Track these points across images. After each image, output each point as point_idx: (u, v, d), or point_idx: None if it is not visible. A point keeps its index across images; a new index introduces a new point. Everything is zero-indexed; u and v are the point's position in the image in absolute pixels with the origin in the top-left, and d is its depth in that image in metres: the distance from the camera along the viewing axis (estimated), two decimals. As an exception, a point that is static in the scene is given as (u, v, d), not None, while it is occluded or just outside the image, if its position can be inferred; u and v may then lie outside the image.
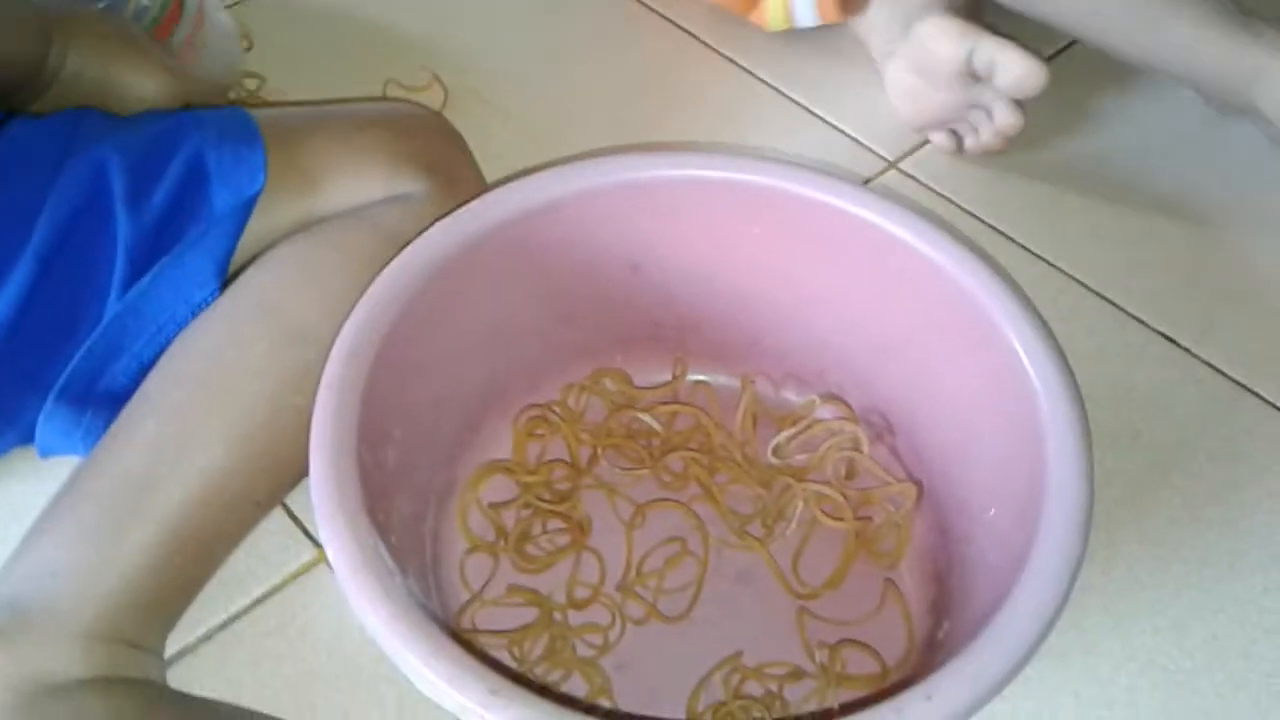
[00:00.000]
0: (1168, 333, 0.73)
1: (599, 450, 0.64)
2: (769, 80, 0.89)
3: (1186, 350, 0.72)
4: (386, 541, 0.48)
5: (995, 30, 0.77)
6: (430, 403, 0.58)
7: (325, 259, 0.59)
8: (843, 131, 0.85)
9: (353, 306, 0.54)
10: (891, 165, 0.83)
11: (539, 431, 0.64)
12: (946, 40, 0.77)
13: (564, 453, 0.64)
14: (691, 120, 0.86)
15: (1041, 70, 0.73)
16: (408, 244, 0.57)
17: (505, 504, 0.61)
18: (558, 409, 0.65)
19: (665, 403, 0.66)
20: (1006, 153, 0.82)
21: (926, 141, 0.84)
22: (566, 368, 0.66)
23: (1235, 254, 0.77)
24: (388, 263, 0.56)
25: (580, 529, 0.60)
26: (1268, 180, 0.82)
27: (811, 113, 0.86)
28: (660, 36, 0.92)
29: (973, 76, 0.77)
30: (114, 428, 0.56)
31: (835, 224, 0.60)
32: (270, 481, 0.57)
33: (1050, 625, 0.46)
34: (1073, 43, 0.92)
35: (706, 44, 0.91)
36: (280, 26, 0.91)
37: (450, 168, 0.67)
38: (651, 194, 0.62)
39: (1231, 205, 0.81)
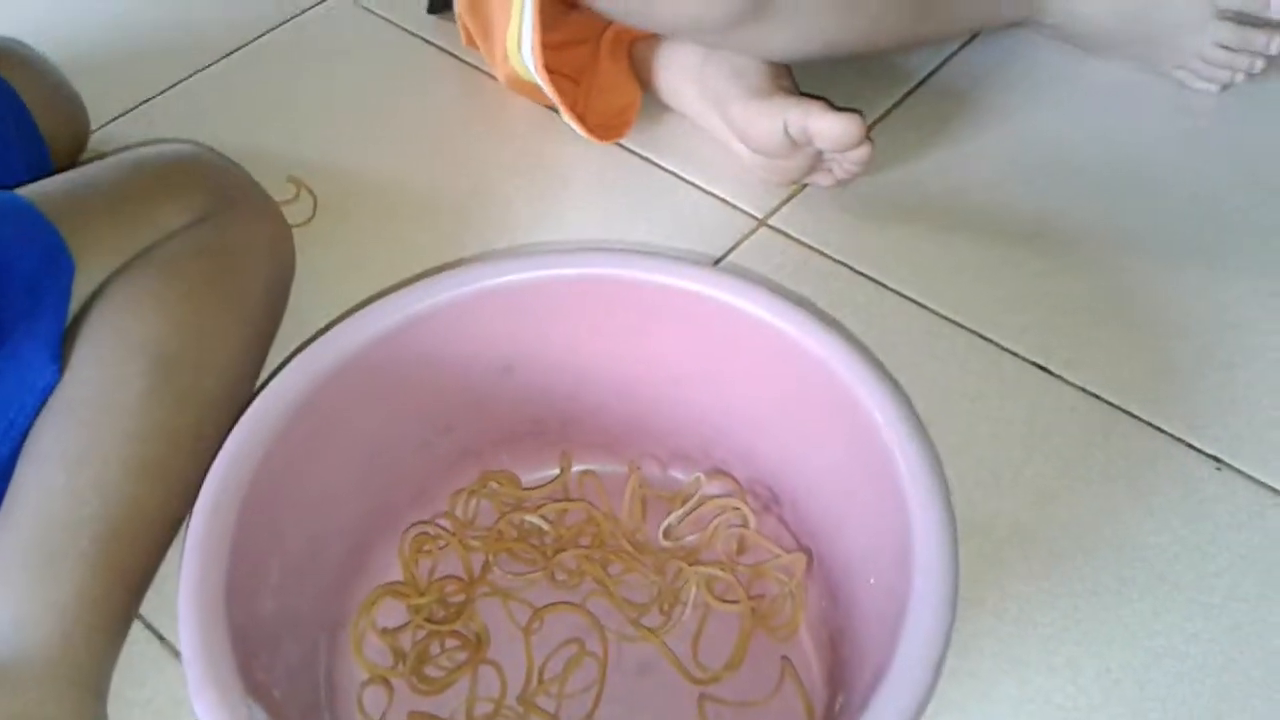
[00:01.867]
0: (1041, 362, 0.74)
1: (491, 557, 0.64)
2: (636, 150, 0.90)
3: (1059, 378, 0.73)
4: (268, 699, 0.48)
5: (805, 92, 0.81)
6: (309, 538, 0.58)
7: (167, 289, 0.65)
8: (711, 193, 0.86)
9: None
10: (761, 223, 0.84)
11: (427, 548, 0.64)
12: (757, 123, 0.80)
13: (457, 563, 0.64)
14: (562, 196, 0.87)
15: (852, 123, 0.75)
16: (267, 384, 0.57)
17: (402, 627, 0.61)
18: (446, 520, 0.65)
19: (554, 500, 0.66)
20: (872, 197, 0.84)
21: (792, 196, 0.85)
22: (452, 475, 0.66)
23: (1099, 276, 0.79)
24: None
25: (477, 643, 0.60)
26: (1122, 201, 0.84)
27: (679, 177, 0.87)
28: (525, 114, 0.93)
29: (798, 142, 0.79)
30: (15, 488, 0.60)
31: (691, 307, 0.61)
32: (179, 501, 0.62)
33: (928, 693, 0.47)
34: (923, 81, 0.94)
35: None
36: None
37: (232, 185, 0.75)
38: (514, 297, 0.62)
39: (1090, 228, 0.82)
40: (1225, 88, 0.92)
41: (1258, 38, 0.89)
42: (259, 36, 1.02)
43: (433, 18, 1.02)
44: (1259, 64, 0.91)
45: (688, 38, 0.84)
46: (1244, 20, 0.89)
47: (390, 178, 0.89)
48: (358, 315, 0.60)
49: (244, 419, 0.56)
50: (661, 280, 0.61)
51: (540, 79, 0.83)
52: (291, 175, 0.88)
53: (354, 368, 0.59)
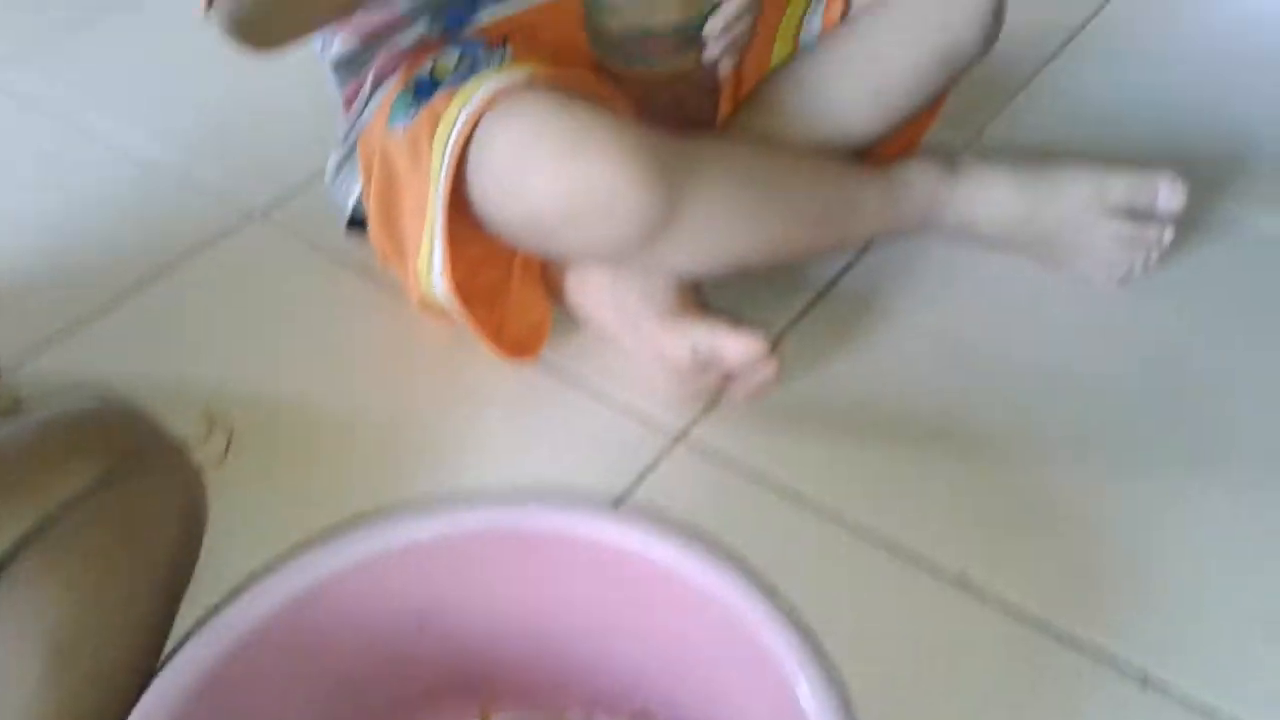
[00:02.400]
0: (958, 577, 0.74)
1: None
2: (550, 367, 0.90)
3: (978, 592, 0.73)
4: None
5: (714, 309, 0.84)
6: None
7: (67, 566, 0.63)
8: (625, 410, 0.86)
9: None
10: (676, 440, 0.84)
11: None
12: (667, 344, 0.82)
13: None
14: (478, 420, 0.87)
15: (755, 342, 0.78)
16: (168, 661, 0.56)
17: None
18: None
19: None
20: (784, 407, 0.85)
21: (707, 411, 0.86)
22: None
23: (1009, 477, 0.80)
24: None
25: None
26: (1028, 397, 0.86)
27: (593, 394, 0.88)
28: (441, 335, 0.93)
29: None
30: None
31: (598, 556, 0.62)
32: None
33: None
34: (831, 284, 0.95)
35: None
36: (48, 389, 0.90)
37: (139, 441, 0.71)
38: (420, 555, 0.63)
39: (999, 428, 0.84)
40: (1123, 280, 0.94)
41: (1149, 232, 0.92)
42: (173, 263, 1.02)
43: (349, 238, 1.03)
44: (1154, 255, 0.93)
45: (593, 261, 0.86)
46: (1136, 215, 0.92)
47: (306, 406, 0.89)
48: (259, 585, 0.59)
49: (139, 707, 0.54)
50: (567, 532, 0.62)
51: (452, 303, 0.84)
52: (206, 407, 0.87)
53: (256, 641, 0.58)
